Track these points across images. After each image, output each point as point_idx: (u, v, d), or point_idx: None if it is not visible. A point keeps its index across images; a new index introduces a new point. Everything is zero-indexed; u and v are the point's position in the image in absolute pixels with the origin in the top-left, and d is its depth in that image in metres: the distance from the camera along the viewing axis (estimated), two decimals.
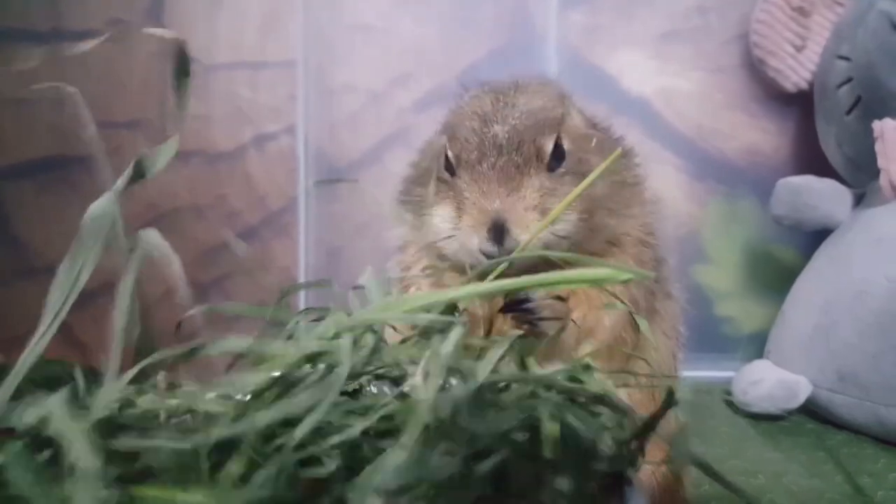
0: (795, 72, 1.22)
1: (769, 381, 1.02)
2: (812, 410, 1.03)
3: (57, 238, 1.28)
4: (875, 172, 1.02)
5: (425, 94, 1.32)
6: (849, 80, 1.08)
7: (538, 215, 0.56)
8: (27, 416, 0.36)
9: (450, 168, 0.61)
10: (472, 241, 0.56)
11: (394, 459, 0.32)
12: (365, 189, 1.33)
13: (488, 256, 0.55)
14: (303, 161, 1.31)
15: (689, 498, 0.71)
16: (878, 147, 0.99)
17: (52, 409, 0.34)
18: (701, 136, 1.33)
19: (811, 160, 1.26)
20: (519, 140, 0.58)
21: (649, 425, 0.36)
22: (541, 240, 0.56)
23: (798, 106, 1.29)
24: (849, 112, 1.09)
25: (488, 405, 0.37)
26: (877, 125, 1.00)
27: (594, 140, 0.63)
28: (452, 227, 0.59)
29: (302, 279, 1.30)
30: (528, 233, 0.55)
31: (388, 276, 0.53)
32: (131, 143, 1.26)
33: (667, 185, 1.33)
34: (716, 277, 1.34)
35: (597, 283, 0.33)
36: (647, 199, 0.67)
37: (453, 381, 0.33)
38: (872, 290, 0.95)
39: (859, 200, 1.13)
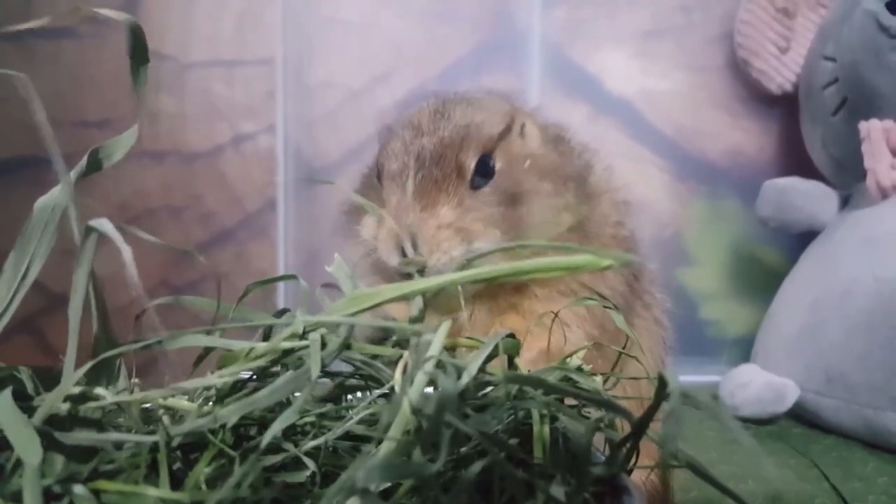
0: (780, 73, 1.22)
1: (757, 385, 1.01)
2: (799, 415, 1.02)
3: None
4: (861, 173, 1.02)
5: (407, 93, 1.30)
6: (834, 80, 1.08)
7: (452, 233, 0.53)
8: None
9: (379, 178, 0.59)
10: (385, 256, 0.54)
11: (374, 458, 0.29)
12: (345, 190, 1.31)
13: (400, 273, 0.53)
14: (282, 161, 1.28)
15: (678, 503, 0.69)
16: (864, 148, 0.99)
17: None
18: (683, 137, 1.32)
19: (795, 161, 1.26)
20: (441, 154, 0.55)
21: (644, 421, 0.34)
22: (451, 262, 0.52)
23: (782, 107, 1.29)
24: (835, 113, 1.09)
25: (476, 405, 0.35)
26: (863, 126, 1.00)
27: (527, 162, 0.59)
28: (374, 238, 0.57)
29: (281, 282, 1.27)
30: (438, 251, 0.52)
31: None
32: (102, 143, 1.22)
33: (649, 185, 1.32)
34: (700, 279, 1.33)
35: (573, 270, 0.31)
36: (614, 204, 0.64)
37: (438, 379, 0.31)
38: (860, 289, 0.94)
39: (845, 202, 1.13)
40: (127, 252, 0.30)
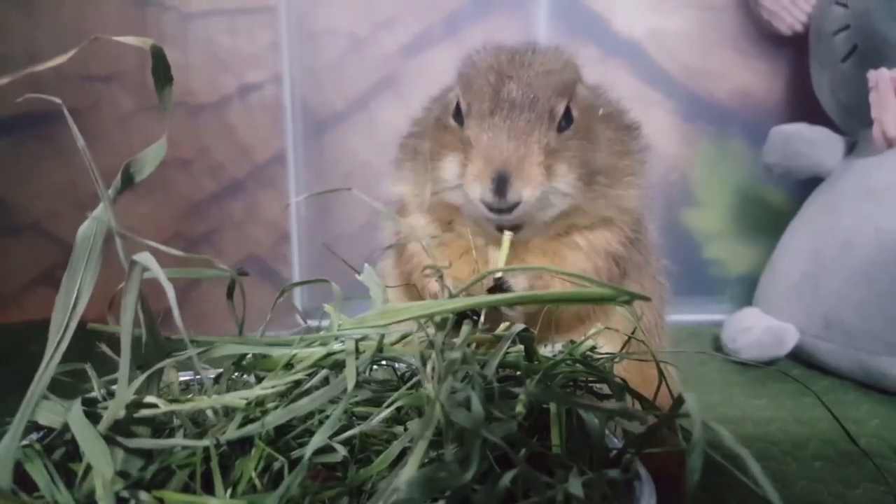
0: (791, 13, 1.19)
1: (758, 329, 1.04)
2: (798, 355, 1.05)
3: (37, 195, 1.26)
4: (868, 120, 1.02)
5: (412, 38, 1.28)
6: (846, 27, 1.06)
7: (543, 171, 0.57)
8: (43, 419, 0.37)
9: (459, 118, 0.62)
10: (474, 191, 0.57)
11: (407, 471, 0.32)
12: (353, 138, 1.31)
13: (490, 208, 0.57)
14: (289, 111, 1.27)
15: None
16: (872, 97, 0.99)
17: (70, 415, 0.35)
18: (691, 77, 1.31)
19: (803, 103, 1.25)
20: (533, 97, 0.59)
21: (656, 428, 0.37)
22: (541, 197, 0.57)
23: (791, 47, 1.27)
24: (844, 59, 1.08)
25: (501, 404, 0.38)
26: (872, 75, 0.99)
27: (600, 110, 0.64)
28: (458, 176, 0.59)
29: (293, 231, 1.29)
30: (530, 186, 0.56)
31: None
32: (109, 98, 1.22)
33: (657, 127, 1.32)
34: (704, 220, 1.35)
35: (595, 302, 0.34)
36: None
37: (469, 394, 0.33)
38: (861, 240, 0.96)
39: (851, 148, 1.13)
40: (170, 289, 0.32)
